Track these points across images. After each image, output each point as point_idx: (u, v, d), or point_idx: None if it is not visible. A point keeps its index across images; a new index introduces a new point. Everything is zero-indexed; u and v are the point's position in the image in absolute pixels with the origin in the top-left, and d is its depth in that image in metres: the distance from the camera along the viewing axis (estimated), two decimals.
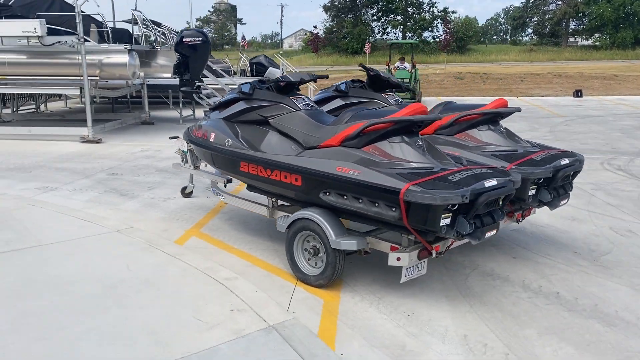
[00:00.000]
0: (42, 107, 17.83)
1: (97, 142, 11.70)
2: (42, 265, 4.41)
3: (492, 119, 5.17)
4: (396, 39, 52.66)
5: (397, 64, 21.05)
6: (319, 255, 4.34)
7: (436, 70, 30.57)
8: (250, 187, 5.19)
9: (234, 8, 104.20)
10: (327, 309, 4.04)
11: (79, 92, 12.30)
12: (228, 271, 4.38)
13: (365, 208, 3.95)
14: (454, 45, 51.90)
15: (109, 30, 12.53)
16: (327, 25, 58.21)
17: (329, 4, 57.25)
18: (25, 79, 12.64)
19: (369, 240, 4.24)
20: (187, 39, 13.11)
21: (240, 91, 5.06)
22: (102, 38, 12.58)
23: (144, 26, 15.47)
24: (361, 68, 6.24)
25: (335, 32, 56.51)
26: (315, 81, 5.66)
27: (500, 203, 4.03)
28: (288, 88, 5.09)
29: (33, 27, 11.45)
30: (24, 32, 11.52)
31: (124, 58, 12.02)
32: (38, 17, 11.78)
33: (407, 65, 20.62)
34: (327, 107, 5.86)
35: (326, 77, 6.05)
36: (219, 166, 5.38)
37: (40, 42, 11.70)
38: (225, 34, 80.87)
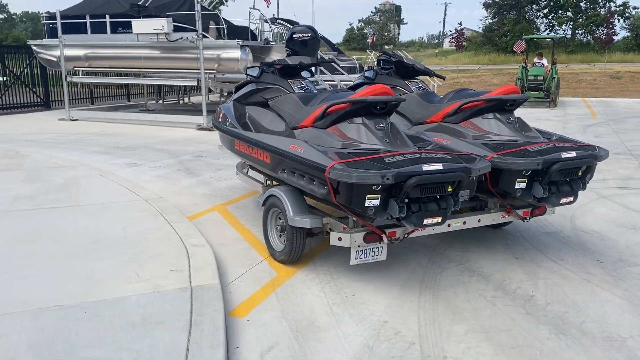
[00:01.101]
0: (186, 99, 19.83)
1: (210, 130, 12.77)
2: (59, 220, 5.12)
3: (499, 106, 4.82)
4: (536, 35, 48.50)
5: (535, 60, 19.69)
6: (285, 232, 4.47)
7: (593, 69, 27.80)
8: (251, 167, 5.47)
9: (398, 8, 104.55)
10: (272, 282, 4.16)
11: (196, 84, 13.55)
12: (201, 239, 4.69)
13: (307, 185, 4.01)
14: (632, 43, 46.56)
15: (225, 27, 13.55)
16: (487, 22, 55.86)
17: (490, 1, 54.84)
18: (156, 71, 14.23)
19: (327, 221, 4.27)
20: (297, 35, 13.68)
21: (249, 74, 5.36)
22: (220, 34, 13.66)
23: (273, 23, 16.49)
24: (382, 54, 6.17)
25: (496, 30, 53.98)
26: (320, 65, 5.73)
27: (451, 190, 3.80)
28: (290, 71, 5.26)
29: (161, 25, 12.87)
30: (154, 29, 13.00)
31: (236, 53, 12.94)
32: (167, 16, 13.20)
33: (545, 61, 19.18)
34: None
35: (333, 61, 6.08)
36: (224, 144, 5.73)
37: (167, 39, 13.09)
38: (385, 34, 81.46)
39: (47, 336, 2.97)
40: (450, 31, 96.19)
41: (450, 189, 3.79)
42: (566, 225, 5.75)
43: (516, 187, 4.26)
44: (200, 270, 3.96)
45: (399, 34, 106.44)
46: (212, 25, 13.50)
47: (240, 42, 12.91)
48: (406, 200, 3.70)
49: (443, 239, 5.25)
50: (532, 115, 15.69)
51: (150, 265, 4.04)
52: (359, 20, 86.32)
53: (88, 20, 14.26)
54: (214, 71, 13.42)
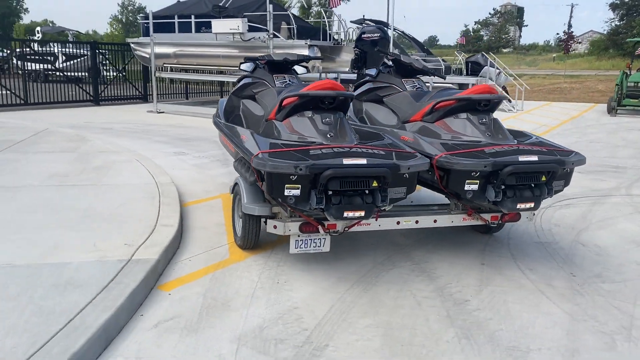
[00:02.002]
0: None
1: None
2: (70, 196, 5.72)
3: (470, 106, 4.69)
4: None
5: None
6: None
7: None
8: None
9: (520, 10, 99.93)
10: (218, 264, 4.41)
11: None
12: (174, 221, 5.03)
13: (245, 174, 4.22)
14: None
15: (295, 27, 13.98)
16: (613, 25, 51.80)
17: (617, 1, 50.80)
18: (234, 69, 15.02)
19: (278, 210, 4.43)
20: (365, 35, 13.90)
21: (243, 69, 5.65)
22: (291, 34, 14.12)
23: (361, 24, 16.73)
24: (380, 52, 6.18)
25: (623, 33, 49.90)
26: (307, 62, 5.85)
27: (377, 185, 3.82)
28: (278, 67, 5.48)
29: (236, 25, 13.59)
30: (230, 29, 13.75)
31: (304, 52, 13.32)
32: (244, 16, 13.90)
33: None
34: (358, 90, 6.12)
35: (320, 58, 6.18)
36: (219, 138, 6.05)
37: (241, 38, 13.79)
38: (503, 36, 78.23)
39: None
40: (581, 35, 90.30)
41: (376, 184, 3.81)
42: (568, 236, 5.43)
43: (466, 188, 4.15)
44: (150, 247, 4.31)
45: (519, 36, 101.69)
46: (284, 25, 13.99)
47: (309, 42, 13.27)
48: (329, 193, 3.78)
49: (419, 239, 5.20)
50: (622, 125, 14.55)
51: (112, 239, 4.45)
52: (476, 22, 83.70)
53: (176, 20, 15.38)
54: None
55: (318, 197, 3.72)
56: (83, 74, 19.59)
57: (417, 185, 4.33)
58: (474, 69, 19.94)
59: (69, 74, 18.33)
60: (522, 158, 4.15)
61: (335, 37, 15.14)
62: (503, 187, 4.17)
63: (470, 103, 4.65)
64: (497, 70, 19.49)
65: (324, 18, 14.58)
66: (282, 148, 3.89)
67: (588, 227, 5.78)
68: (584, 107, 20.24)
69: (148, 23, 15.60)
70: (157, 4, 18.18)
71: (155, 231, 4.68)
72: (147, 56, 16.10)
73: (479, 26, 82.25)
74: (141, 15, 16.49)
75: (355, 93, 6.24)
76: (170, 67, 16.01)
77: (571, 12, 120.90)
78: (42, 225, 4.73)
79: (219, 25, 13.92)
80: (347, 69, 14.55)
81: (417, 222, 4.46)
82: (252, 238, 4.59)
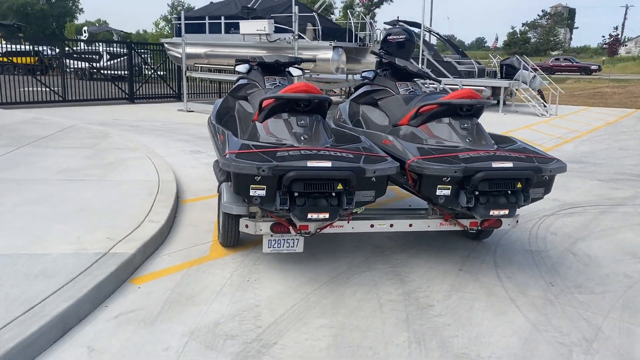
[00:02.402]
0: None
1: None
2: (72, 190, 5.94)
3: (452, 111, 4.66)
4: None
5: None
6: None
7: None
8: None
9: (571, 12, 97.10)
10: (196, 261, 4.53)
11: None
12: (162, 217, 5.18)
13: (218, 173, 4.34)
14: None
15: (320, 29, 14.05)
16: None
17: None
18: None
19: (255, 210, 4.52)
20: (391, 37, 13.77)
21: (238, 71, 5.78)
22: (316, 35, 14.20)
23: (394, 25, 16.67)
24: (374, 54, 6.19)
25: None
26: (299, 64, 5.89)
27: (341, 188, 3.85)
28: (270, 69, 5.57)
29: (263, 26, 13.78)
30: (257, 30, 13.96)
31: (328, 54, 13.41)
32: (271, 17, 14.09)
33: None
34: (356, 93, 6.18)
35: (313, 60, 6.21)
36: None
37: (267, 39, 13.97)
38: (552, 38, 76.20)
39: None
40: (635, 38, 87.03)
41: (340, 187, 3.85)
42: (561, 246, 5.32)
43: (438, 193, 4.14)
44: (130, 241, 4.46)
45: (570, 38, 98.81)
46: (309, 27, 14.09)
47: (333, 43, 13.33)
48: (295, 194, 3.84)
49: (403, 242, 5.20)
50: None
51: (97, 233, 4.64)
52: (523, 24, 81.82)
53: (207, 21, 15.71)
54: (308, 71, 14.00)
55: (282, 198, 3.79)
56: (125, 72, 20.25)
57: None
58: (509, 72, 19.57)
59: (112, 72, 18.99)
60: (495, 164, 4.11)
61: (363, 38, 15.13)
62: (477, 193, 4.14)
63: (451, 108, 4.63)
64: (532, 74, 19.05)
65: (349, 19, 14.59)
66: (251, 149, 3.97)
67: (586, 237, 5.64)
68: (622, 112, 19.55)
69: (181, 23, 15.99)
70: (204, 4, 18.59)
71: (141, 227, 4.84)
72: (179, 56, 16.49)
73: (527, 28, 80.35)
74: (175, 16, 16.86)
75: (353, 95, 6.30)
76: (201, 67, 16.36)
77: (625, 13, 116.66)
78: (36, 217, 4.96)
79: (247, 26, 14.15)
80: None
81: (391, 225, 4.47)
82: (232, 236, 4.69)
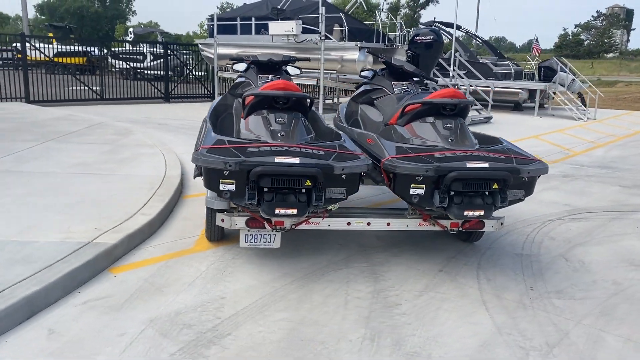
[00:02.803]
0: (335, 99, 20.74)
1: None
2: (78, 183, 6.18)
3: (435, 110, 4.63)
4: None
5: None
6: None
7: None
8: None
9: (629, 13, 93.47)
10: (178, 253, 4.65)
11: (315, 83, 14.35)
12: (155, 210, 5.32)
13: (195, 169, 4.45)
14: None
15: (346, 29, 14.05)
16: None
17: None
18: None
19: (235, 206, 4.61)
20: (418, 38, 13.77)
21: (236, 70, 5.89)
22: (343, 36, 14.23)
23: (430, 26, 16.60)
24: (372, 54, 6.19)
25: None
26: (292, 62, 5.93)
27: (310, 184, 3.89)
28: (265, 67, 5.65)
29: (291, 27, 13.93)
30: (285, 31, 14.11)
31: (354, 54, 13.42)
32: (299, 18, 14.22)
33: None
34: (356, 92, 6.23)
35: (308, 59, 6.22)
36: None
37: (295, 40, 14.10)
38: (606, 40, 73.52)
39: None
40: None
41: (309, 184, 3.88)
42: (556, 251, 5.20)
43: (411, 192, 4.12)
44: (115, 232, 4.63)
45: (627, 40, 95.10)
46: (336, 28, 14.14)
47: (359, 44, 13.33)
48: (265, 190, 3.90)
49: (391, 242, 5.19)
50: None
51: (88, 223, 4.82)
52: (576, 26, 79.26)
53: (238, 22, 15.98)
54: (335, 72, 14.06)
55: (250, 193, 3.85)
56: (169, 72, 20.82)
57: None
58: (547, 74, 19.07)
59: (154, 72, 19.57)
60: (470, 164, 4.06)
61: (393, 39, 15.06)
62: (452, 193, 4.10)
63: (434, 107, 4.60)
64: (571, 76, 18.50)
65: (375, 19, 14.55)
66: (224, 145, 4.05)
67: (586, 242, 5.48)
68: None
69: (213, 25, 16.33)
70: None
71: (131, 219, 5.01)
72: (212, 56, 16.83)
73: (579, 29, 77.82)
74: (208, 17, 17.23)
75: (353, 95, 6.33)
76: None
77: None
78: (35, 208, 5.20)
79: (275, 27, 14.32)
80: None
81: (368, 224, 4.48)
82: (215, 230, 4.79)
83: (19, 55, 17.85)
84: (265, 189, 3.89)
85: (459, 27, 21.23)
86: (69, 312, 3.54)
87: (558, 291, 4.27)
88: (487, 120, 15.71)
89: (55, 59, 22.17)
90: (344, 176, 3.99)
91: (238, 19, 16.04)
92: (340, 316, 3.69)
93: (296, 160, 3.86)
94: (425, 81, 6.15)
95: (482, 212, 4.10)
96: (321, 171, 3.84)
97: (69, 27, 37.06)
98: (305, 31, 14.11)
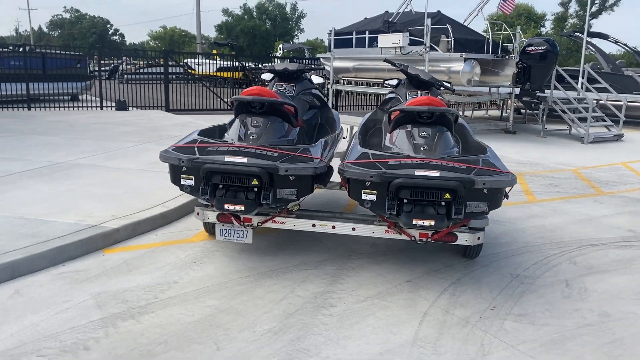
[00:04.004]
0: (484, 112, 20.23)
1: None
2: (136, 178, 6.91)
3: (412, 118, 4.57)
4: None
5: None
6: None
7: None
8: None
9: None
10: (172, 242, 5.14)
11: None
12: (175, 203, 5.89)
13: None
14: None
15: (452, 40, 13.68)
16: None
17: None
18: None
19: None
20: (530, 48, 13.10)
21: (262, 79, 6.28)
22: (450, 47, 13.89)
23: (570, 36, 15.66)
24: (388, 62, 6.13)
25: None
26: (308, 72, 6.03)
27: (256, 183, 4.11)
28: (285, 76, 5.95)
29: (398, 39, 14.04)
30: (392, 43, 14.26)
31: (459, 66, 13.10)
32: (407, 31, 14.26)
33: None
34: (383, 100, 6.32)
35: (322, 69, 6.23)
36: None
37: (401, 52, 14.14)
38: None
39: None
40: None
41: (255, 182, 4.11)
42: (566, 275, 4.79)
43: (363, 198, 4.14)
44: (126, 219, 5.25)
45: None
46: (443, 39, 13.89)
47: (464, 55, 12.99)
48: (220, 186, 4.22)
49: (381, 250, 5.17)
50: None
51: (111, 210, 5.52)
52: None
53: (354, 36, 16.43)
54: (452, 85, 13.83)
55: (203, 189, 4.19)
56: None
57: None
58: None
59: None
60: (419, 172, 3.97)
61: (510, 49, 14.38)
62: (406, 200, 4.04)
63: (408, 114, 4.54)
64: None
65: (488, 30, 14.00)
66: (191, 144, 4.44)
67: (610, 271, 4.93)
68: None
69: (331, 39, 16.99)
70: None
71: (149, 210, 5.62)
72: (329, 69, 17.48)
73: None
74: (328, 31, 17.92)
75: (380, 103, 6.38)
76: (347, 80, 17.12)
77: None
78: (82, 195, 6.06)
79: (384, 39, 14.52)
80: (508, 84, 13.77)
81: (333, 227, 4.55)
82: (209, 225, 5.20)
83: (192, 71, 20.37)
84: (220, 186, 4.19)
85: (604, 37, 19.47)
86: (41, 280, 4.17)
87: (520, 314, 3.96)
88: (618, 138, 14.23)
89: (217, 74, 24.63)
90: (291, 177, 4.14)
91: (354, 32, 16.48)
92: (265, 310, 3.85)
93: (243, 159, 4.11)
94: (441, 89, 5.96)
95: (432, 222, 3.98)
96: (265, 171, 4.04)
97: (230, 44, 40.58)
98: (413, 43, 14.09)
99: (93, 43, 75.38)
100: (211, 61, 26.56)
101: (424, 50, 13.41)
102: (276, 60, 28.41)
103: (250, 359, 3.22)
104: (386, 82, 6.34)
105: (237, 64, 24.11)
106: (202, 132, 4.87)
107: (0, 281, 4.08)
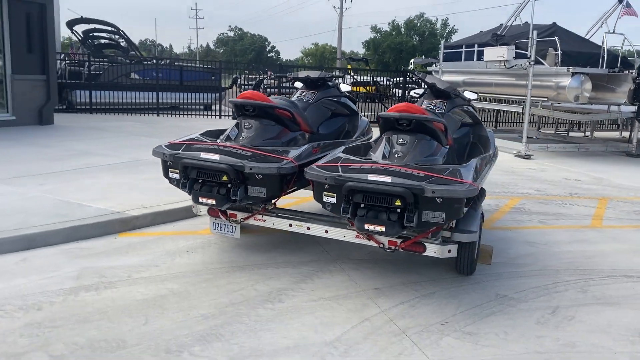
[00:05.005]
0: (588, 133, 18.67)
1: (526, 158, 12.58)
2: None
3: (391, 125, 4.55)
4: None
5: None
6: None
7: None
8: None
9: None
10: (183, 232, 5.58)
11: (521, 110, 13.49)
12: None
13: None
14: None
15: (560, 54, 12.70)
16: None
17: None
18: (508, 97, 14.78)
19: None
20: None
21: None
22: (557, 60, 12.92)
23: None
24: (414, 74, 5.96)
25: None
26: (330, 79, 6.03)
27: (226, 179, 4.37)
28: (310, 84, 6.13)
29: (503, 52, 13.46)
30: (497, 57, 13.70)
31: (565, 81, 12.22)
32: (515, 44, 13.61)
33: None
34: None
35: (341, 76, 6.15)
36: None
37: (505, 66, 13.50)
38: None
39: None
40: None
41: (225, 179, 4.38)
42: (562, 302, 4.42)
43: (324, 200, 4.21)
44: (151, 209, 5.81)
45: None
46: (550, 52, 13.02)
47: (571, 69, 12.10)
48: (199, 181, 4.56)
49: (378, 258, 5.14)
50: None
51: (144, 201, 6.13)
52: None
53: (463, 49, 16.02)
54: (545, 98, 13.01)
55: (182, 182, 4.56)
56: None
57: None
58: None
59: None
60: (371, 177, 3.96)
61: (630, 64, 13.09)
62: (362, 205, 4.06)
63: (387, 121, 4.52)
64: None
65: (604, 42, 12.85)
66: (181, 142, 4.82)
67: (619, 304, 4.44)
68: None
69: (445, 53, 16.73)
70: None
71: (177, 203, 6.14)
72: None
73: None
74: (440, 45, 17.65)
75: None
76: None
77: None
78: (134, 187, 6.78)
79: (490, 53, 13.97)
80: (624, 101, 12.50)
81: (308, 228, 4.65)
82: None
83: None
84: (200, 180, 4.52)
85: None
86: (49, 252, 4.82)
87: (469, 333, 3.76)
88: None
89: (353, 88, 25.39)
90: (258, 176, 4.33)
91: (463, 46, 16.06)
92: (213, 297, 4.09)
93: (216, 157, 4.39)
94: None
95: (382, 228, 3.94)
96: (232, 168, 4.27)
97: (365, 59, 41.34)
98: (519, 56, 13.39)
99: (251, 59, 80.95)
100: (347, 76, 27.24)
101: (527, 63, 12.68)
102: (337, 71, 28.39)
103: (163, 335, 3.48)
104: (412, 92, 6.24)
105: (369, 78, 24.53)
106: (347, 150, 4.81)
107: (17, 249, 4.79)
